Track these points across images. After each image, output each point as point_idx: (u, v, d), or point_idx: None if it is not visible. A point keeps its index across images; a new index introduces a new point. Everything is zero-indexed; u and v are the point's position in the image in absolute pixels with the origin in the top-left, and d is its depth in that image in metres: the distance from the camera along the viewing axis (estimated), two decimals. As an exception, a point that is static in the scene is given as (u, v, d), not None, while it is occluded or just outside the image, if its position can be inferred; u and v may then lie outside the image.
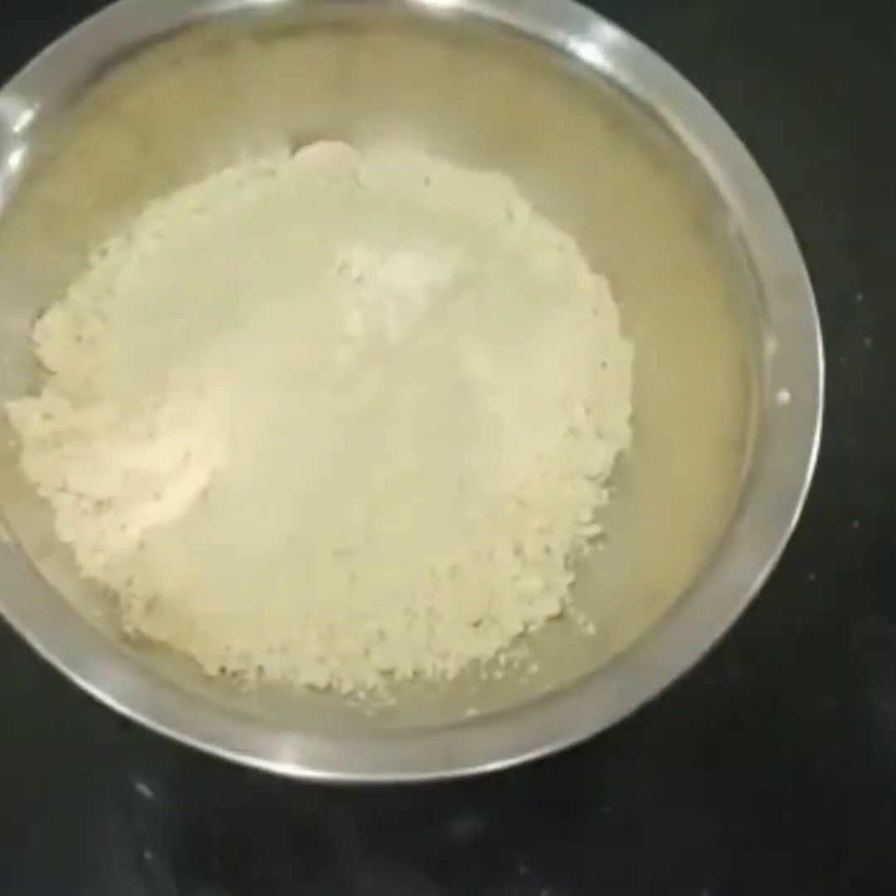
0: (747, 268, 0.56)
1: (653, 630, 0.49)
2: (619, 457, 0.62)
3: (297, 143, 0.66)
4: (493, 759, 0.44)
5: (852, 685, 0.64)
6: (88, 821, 0.56)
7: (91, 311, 0.60)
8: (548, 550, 0.59)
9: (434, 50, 0.63)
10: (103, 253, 0.62)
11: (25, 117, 0.54)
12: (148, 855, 0.55)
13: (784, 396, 0.53)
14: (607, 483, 0.62)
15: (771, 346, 0.54)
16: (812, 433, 0.52)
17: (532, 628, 0.58)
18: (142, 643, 0.54)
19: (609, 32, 0.60)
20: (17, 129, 0.54)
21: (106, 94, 0.57)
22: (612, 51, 0.60)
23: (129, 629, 0.54)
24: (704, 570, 0.50)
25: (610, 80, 0.60)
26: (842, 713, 0.63)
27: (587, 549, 0.60)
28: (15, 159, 0.53)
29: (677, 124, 0.59)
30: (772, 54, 0.78)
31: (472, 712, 0.53)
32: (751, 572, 0.49)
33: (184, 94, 0.61)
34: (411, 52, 0.63)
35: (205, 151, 0.65)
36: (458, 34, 0.62)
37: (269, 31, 0.61)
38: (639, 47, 0.60)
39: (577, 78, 0.61)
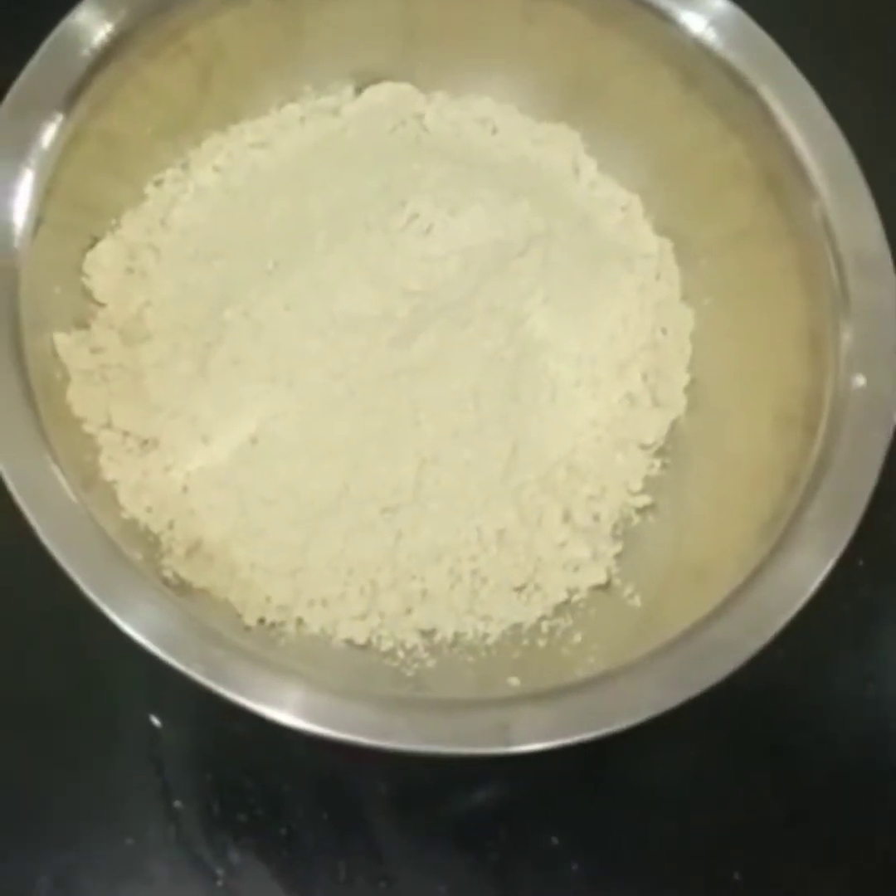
0: (825, 239, 0.54)
1: (712, 614, 0.48)
2: (674, 426, 0.61)
3: (362, 83, 0.65)
4: (549, 737, 0.43)
5: (888, 671, 0.63)
6: (119, 766, 0.56)
7: (144, 243, 0.59)
8: (596, 518, 0.58)
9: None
10: (159, 184, 0.60)
11: (99, 37, 0.52)
12: (177, 803, 0.55)
13: (860, 380, 0.51)
14: (660, 453, 0.61)
15: (847, 325, 0.53)
16: (888, 423, 0.51)
17: (576, 597, 0.57)
18: (181, 589, 0.53)
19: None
20: (88, 51, 0.52)
21: (172, 24, 0.56)
22: (688, 1, 0.58)
23: (168, 574, 0.54)
24: (767, 556, 0.49)
25: (687, 34, 0.58)
26: (877, 698, 0.62)
27: (636, 520, 0.59)
28: (84, 83, 0.52)
29: (759, 85, 0.57)
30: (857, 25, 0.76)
31: (513, 681, 0.53)
32: (816, 563, 0.48)
33: (248, 28, 0.59)
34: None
35: (267, 86, 0.63)
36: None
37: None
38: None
39: (651, 29, 0.59)
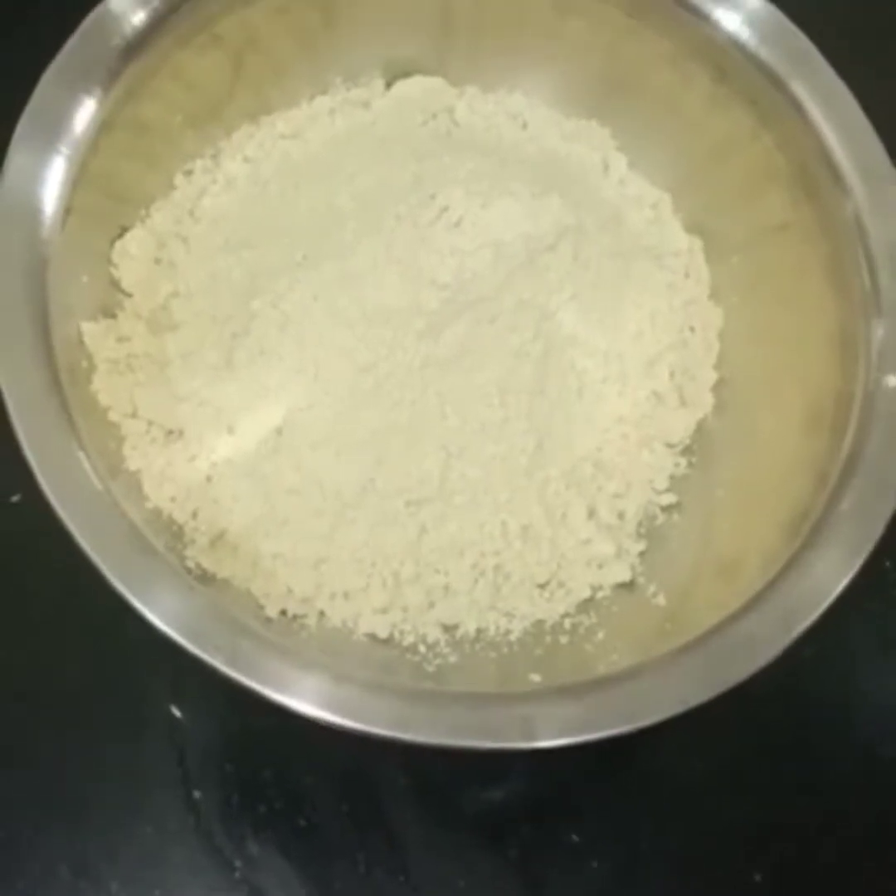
0: (857, 236, 0.54)
1: (738, 612, 0.47)
2: (701, 425, 0.61)
3: (393, 76, 0.65)
4: (572, 732, 0.43)
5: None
6: (140, 756, 0.56)
7: (172, 233, 0.59)
8: (621, 516, 0.58)
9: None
10: (188, 174, 0.60)
11: (131, 26, 0.52)
12: (197, 794, 0.55)
13: (891, 380, 0.51)
14: (686, 451, 0.60)
15: (879, 323, 0.52)
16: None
17: (600, 595, 0.57)
18: (204, 579, 0.53)
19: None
20: (116, 43, 0.52)
21: (203, 15, 0.56)
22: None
23: (191, 564, 0.53)
24: (795, 554, 0.48)
25: (720, 30, 0.58)
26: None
27: (661, 518, 0.59)
28: (115, 72, 0.52)
29: (790, 80, 0.57)
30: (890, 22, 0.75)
31: (534, 677, 0.52)
32: (843, 563, 0.48)
33: (280, 19, 0.59)
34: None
35: (298, 78, 0.63)
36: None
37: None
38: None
39: (685, 26, 0.59)
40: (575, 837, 0.56)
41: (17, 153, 0.49)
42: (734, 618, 0.47)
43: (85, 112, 0.51)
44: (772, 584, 0.48)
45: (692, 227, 0.64)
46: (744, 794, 0.59)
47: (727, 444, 0.60)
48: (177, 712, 0.57)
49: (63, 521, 0.44)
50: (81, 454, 0.46)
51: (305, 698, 0.43)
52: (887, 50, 0.74)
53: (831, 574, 0.47)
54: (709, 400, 0.61)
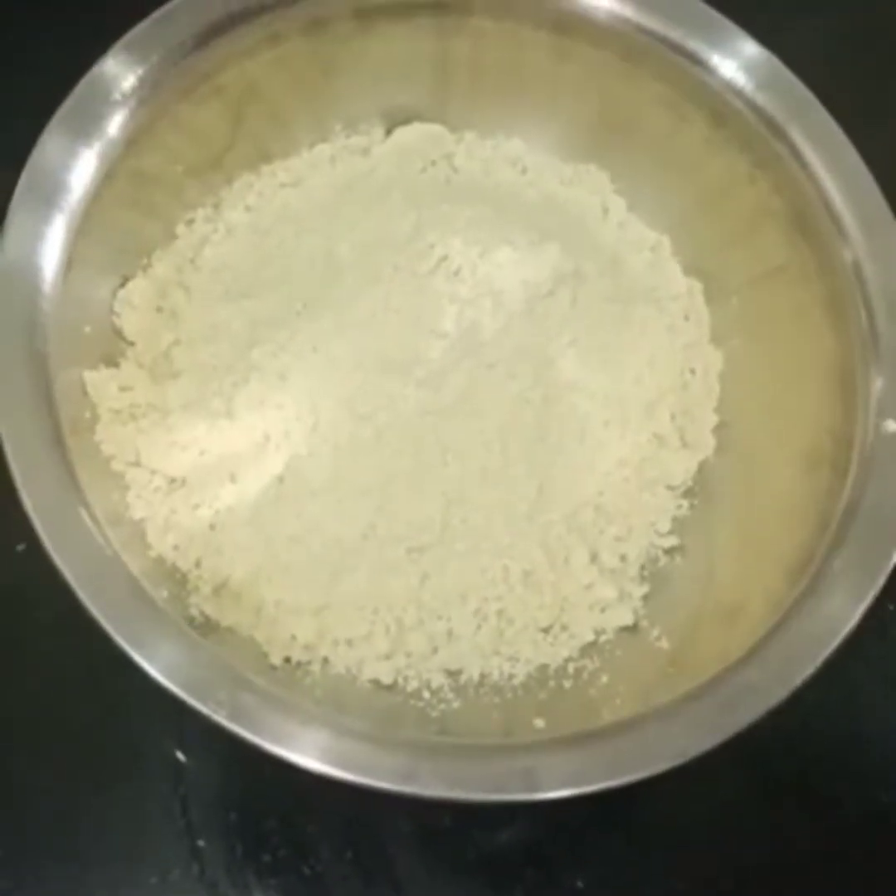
0: (855, 282, 0.54)
1: (741, 660, 0.47)
2: (702, 467, 0.61)
3: (392, 123, 0.65)
4: (574, 784, 0.43)
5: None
6: (143, 804, 0.56)
7: (174, 282, 0.59)
8: (623, 559, 0.58)
9: (533, 35, 0.61)
10: (190, 223, 0.61)
11: (126, 85, 0.53)
12: (201, 843, 0.55)
13: (891, 426, 0.51)
14: (688, 493, 0.60)
15: (877, 372, 0.52)
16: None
17: (603, 638, 0.57)
18: (207, 627, 0.53)
19: (717, 23, 0.59)
20: (116, 96, 0.52)
21: (204, 66, 0.56)
22: (717, 43, 0.58)
23: (195, 612, 0.54)
24: (797, 600, 0.48)
25: (717, 76, 0.58)
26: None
27: (663, 561, 0.59)
28: (114, 127, 0.52)
29: (788, 125, 0.57)
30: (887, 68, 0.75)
31: (538, 722, 0.52)
32: (847, 608, 0.48)
33: (280, 69, 0.60)
34: (510, 37, 0.62)
35: (298, 126, 0.63)
36: (557, 20, 0.60)
37: (368, 9, 0.60)
38: (746, 41, 0.58)
39: (682, 71, 0.59)
40: (579, 883, 0.56)
41: (18, 208, 0.49)
42: (737, 664, 0.47)
43: (85, 164, 0.51)
44: (775, 630, 0.48)
45: (691, 270, 0.64)
46: (748, 839, 0.58)
47: (729, 485, 0.60)
48: (181, 756, 0.57)
49: (64, 576, 0.44)
50: (82, 509, 0.46)
51: (307, 753, 0.43)
52: (885, 97, 0.74)
53: (834, 622, 0.47)
54: (710, 442, 0.61)
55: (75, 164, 0.51)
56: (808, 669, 0.46)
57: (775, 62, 0.58)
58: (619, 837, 0.58)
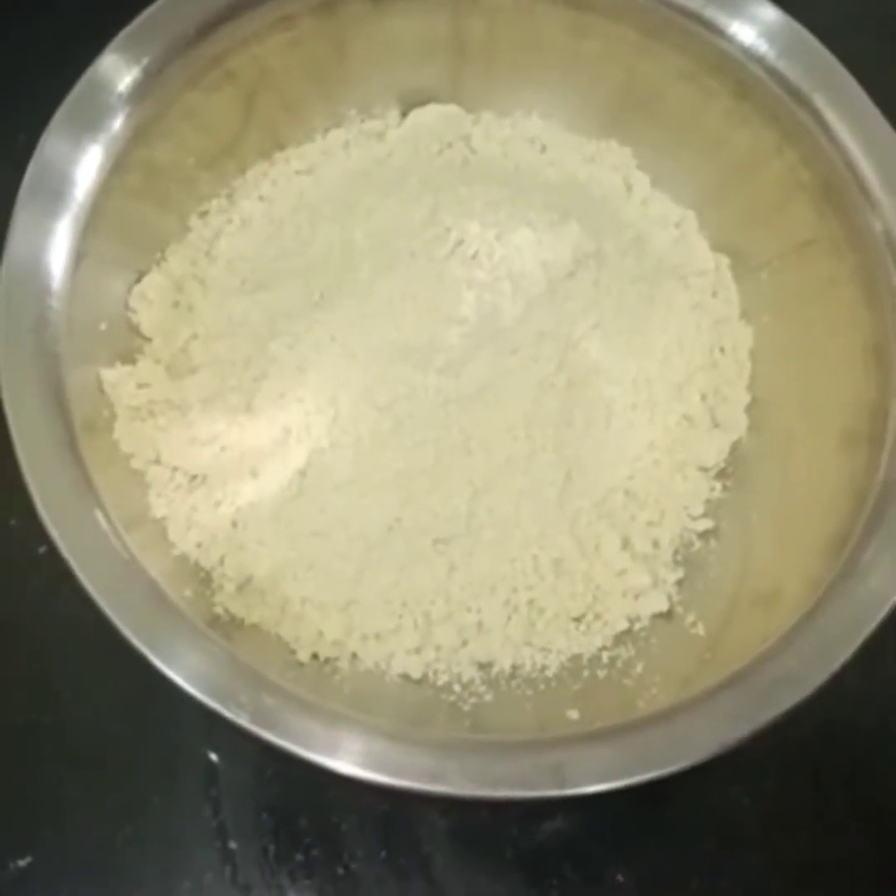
0: (886, 249, 0.53)
1: (778, 645, 0.46)
2: (735, 447, 0.59)
3: (407, 106, 0.64)
4: (604, 779, 0.42)
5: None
6: (177, 808, 0.55)
7: (190, 276, 0.58)
8: (656, 545, 0.57)
9: (550, 10, 0.60)
10: (203, 215, 0.60)
11: (130, 77, 0.52)
12: (233, 844, 0.54)
13: (926, 397, 0.50)
14: (721, 475, 0.59)
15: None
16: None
17: (637, 626, 0.56)
18: (232, 625, 0.53)
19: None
20: (121, 88, 0.51)
21: (212, 53, 0.55)
22: (736, 10, 0.56)
23: (219, 610, 0.53)
24: (834, 580, 0.47)
25: (737, 45, 0.57)
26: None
27: (698, 545, 0.58)
28: (119, 119, 0.51)
29: (812, 93, 0.55)
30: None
31: (572, 714, 0.51)
32: (886, 588, 0.46)
33: (291, 53, 0.59)
34: (526, 13, 0.60)
35: (312, 111, 0.62)
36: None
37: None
38: (765, 6, 0.56)
39: (701, 42, 0.57)
40: (620, 878, 0.55)
41: (24, 204, 0.49)
42: (773, 652, 0.46)
43: (91, 158, 0.50)
44: (812, 613, 0.46)
45: (719, 245, 0.63)
46: (792, 829, 0.57)
47: (763, 465, 0.58)
48: (213, 757, 0.56)
49: (83, 584, 0.43)
50: (98, 512, 0.45)
51: (332, 754, 0.42)
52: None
53: (873, 602, 0.46)
54: (743, 421, 0.59)
55: (81, 157, 0.50)
56: (847, 653, 0.45)
57: (797, 28, 0.56)
58: (660, 830, 0.57)
